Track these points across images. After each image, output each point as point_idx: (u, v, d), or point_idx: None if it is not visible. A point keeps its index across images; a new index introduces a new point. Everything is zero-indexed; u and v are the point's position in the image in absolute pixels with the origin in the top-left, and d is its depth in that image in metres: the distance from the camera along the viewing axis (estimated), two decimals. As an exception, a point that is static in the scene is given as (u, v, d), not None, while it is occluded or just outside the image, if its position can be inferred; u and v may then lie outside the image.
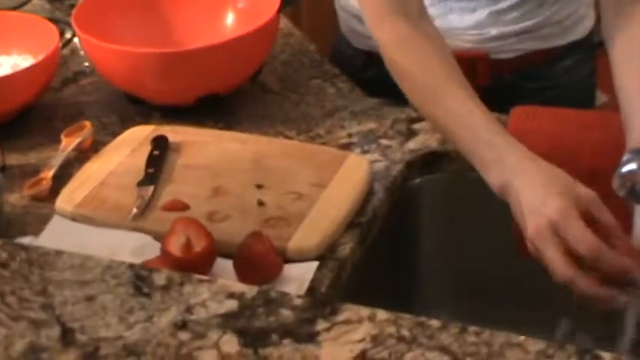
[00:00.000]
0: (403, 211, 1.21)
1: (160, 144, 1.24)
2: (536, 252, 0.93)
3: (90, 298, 0.80)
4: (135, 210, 1.12)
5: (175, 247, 1.04)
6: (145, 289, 0.81)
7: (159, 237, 1.06)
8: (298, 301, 0.81)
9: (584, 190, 0.95)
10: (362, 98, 1.37)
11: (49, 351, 0.75)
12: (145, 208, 1.13)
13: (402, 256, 1.23)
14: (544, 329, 1.23)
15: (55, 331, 0.77)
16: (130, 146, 1.26)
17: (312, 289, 1.02)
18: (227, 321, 0.78)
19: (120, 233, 1.10)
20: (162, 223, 1.08)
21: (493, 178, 1.01)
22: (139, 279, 0.83)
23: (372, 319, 0.79)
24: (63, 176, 1.22)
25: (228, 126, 1.32)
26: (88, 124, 1.31)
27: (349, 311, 0.79)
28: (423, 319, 0.78)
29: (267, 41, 1.38)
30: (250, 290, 0.81)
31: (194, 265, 1.03)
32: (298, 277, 1.03)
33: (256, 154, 1.22)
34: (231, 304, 0.80)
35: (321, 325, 0.78)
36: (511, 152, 1.01)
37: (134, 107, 1.38)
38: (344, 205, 1.13)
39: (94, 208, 1.14)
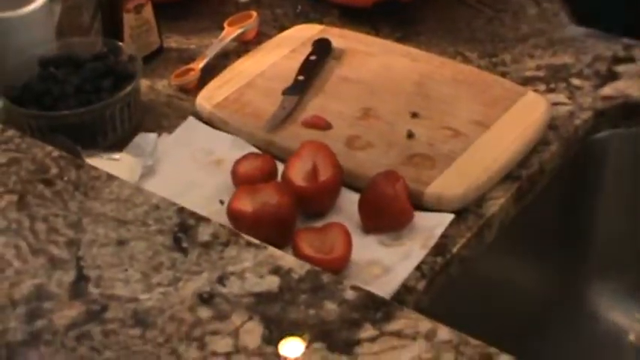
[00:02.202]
0: (580, 169, 1.03)
1: (321, 48, 1.11)
2: None
3: (121, 242, 0.69)
4: (268, 121, 1.01)
5: (298, 173, 0.92)
6: (184, 244, 0.69)
7: (289, 155, 0.95)
8: (351, 295, 0.65)
9: None
10: (566, 24, 1.17)
11: (54, 300, 0.66)
12: (284, 120, 1.01)
13: (571, 220, 1.04)
14: None
15: (69, 276, 0.67)
16: (291, 46, 1.14)
17: (441, 246, 0.87)
18: (259, 303, 0.65)
19: (251, 149, 1.00)
20: (296, 141, 0.96)
21: None
22: (182, 229, 0.71)
23: (429, 337, 0.63)
24: (216, 68, 1.12)
25: (404, 37, 1.17)
26: (254, 13, 1.20)
27: (406, 320, 0.63)
28: (493, 350, 0.61)
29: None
30: (300, 268, 0.67)
31: (314, 196, 0.92)
32: (427, 229, 0.89)
33: (422, 76, 1.07)
34: (272, 282, 0.66)
35: (366, 332, 0.63)
36: None
37: (312, 2, 1.25)
38: (504, 153, 0.96)
39: (233, 111, 1.04)
